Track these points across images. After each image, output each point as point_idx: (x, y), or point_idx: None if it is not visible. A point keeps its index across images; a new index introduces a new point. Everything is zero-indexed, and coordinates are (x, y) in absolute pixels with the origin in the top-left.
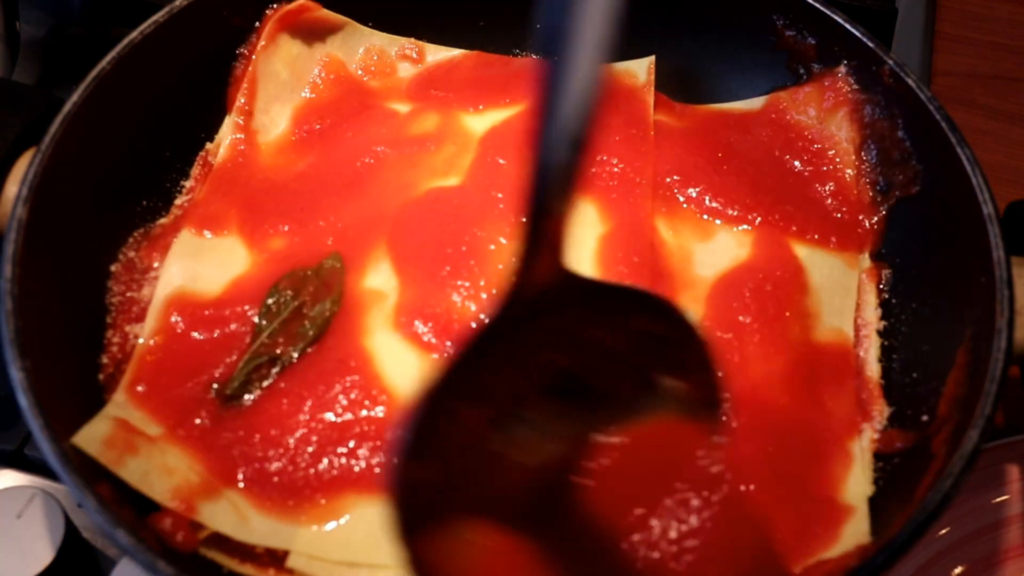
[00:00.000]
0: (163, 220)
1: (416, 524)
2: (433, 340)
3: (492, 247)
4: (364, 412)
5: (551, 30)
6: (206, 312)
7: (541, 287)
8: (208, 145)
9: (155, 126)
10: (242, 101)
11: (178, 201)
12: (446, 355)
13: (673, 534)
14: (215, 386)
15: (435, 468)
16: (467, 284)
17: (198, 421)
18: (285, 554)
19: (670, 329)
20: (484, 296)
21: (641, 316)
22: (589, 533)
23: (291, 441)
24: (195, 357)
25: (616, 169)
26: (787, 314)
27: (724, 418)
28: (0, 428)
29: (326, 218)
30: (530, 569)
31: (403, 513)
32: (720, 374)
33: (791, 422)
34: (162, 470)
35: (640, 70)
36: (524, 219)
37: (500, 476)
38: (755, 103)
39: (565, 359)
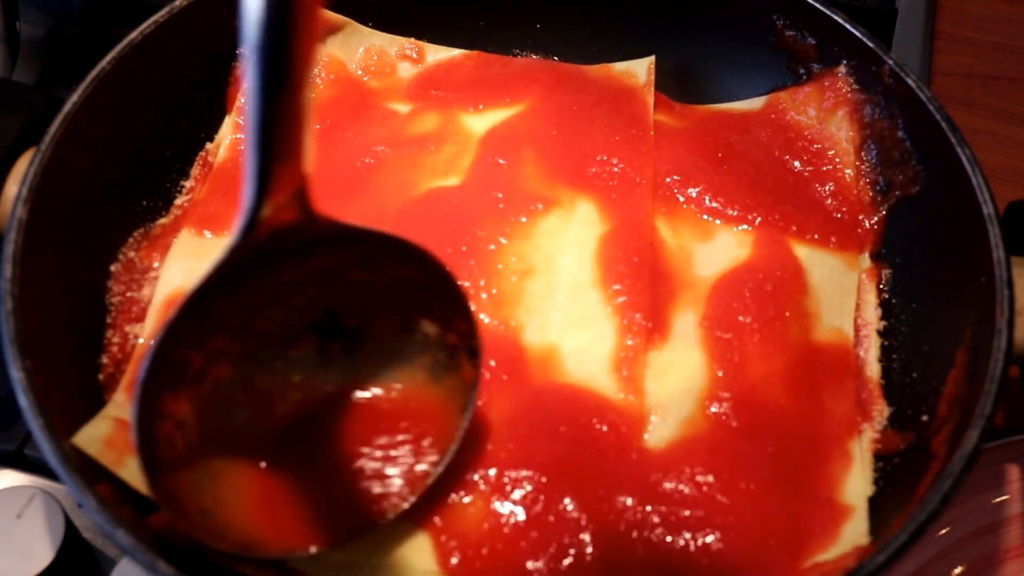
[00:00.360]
0: (163, 220)
1: (166, 456)
2: None
3: (492, 247)
4: None
5: None
6: None
7: (288, 228)
8: (208, 145)
9: (155, 126)
10: (242, 101)
11: (178, 201)
12: (195, 287)
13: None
14: None
15: (187, 401)
16: (467, 284)
17: None
18: None
19: (431, 277)
20: (484, 296)
21: (404, 263)
22: (342, 477)
23: None
24: None
25: (616, 169)
26: (787, 314)
27: (479, 371)
28: (0, 428)
29: None
30: (281, 505)
31: (149, 445)
32: (476, 323)
33: (791, 422)
34: None
35: (640, 70)
36: (253, 160)
37: (258, 412)
38: (755, 103)
39: (331, 299)
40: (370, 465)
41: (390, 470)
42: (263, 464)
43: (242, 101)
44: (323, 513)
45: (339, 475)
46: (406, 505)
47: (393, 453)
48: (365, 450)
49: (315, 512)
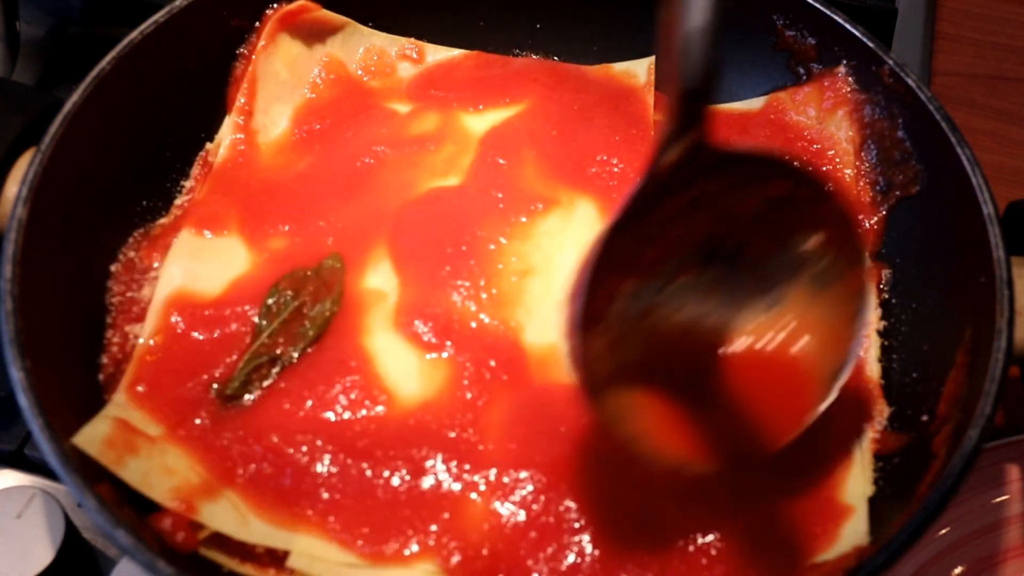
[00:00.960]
0: (163, 220)
1: (599, 386)
2: (433, 340)
3: (492, 247)
4: (364, 412)
5: None
6: (206, 312)
7: (683, 162)
8: (208, 145)
9: (155, 126)
10: (242, 101)
11: (178, 201)
12: (602, 234)
13: None
14: (215, 386)
15: (602, 337)
16: (467, 284)
17: (198, 421)
18: (285, 554)
19: (802, 190)
20: (484, 296)
21: (774, 180)
22: (731, 403)
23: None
24: (195, 357)
25: (616, 169)
26: None
27: (865, 276)
28: (0, 428)
29: (326, 218)
30: (673, 428)
31: (588, 378)
32: (855, 229)
33: None
34: (162, 470)
35: (640, 70)
36: (676, 103)
37: (652, 342)
38: (755, 103)
39: (710, 226)
40: (759, 388)
41: (778, 392)
42: (657, 389)
43: (241, 101)
44: (712, 438)
45: (728, 401)
46: (805, 423)
47: (781, 375)
48: (754, 374)
49: (702, 436)
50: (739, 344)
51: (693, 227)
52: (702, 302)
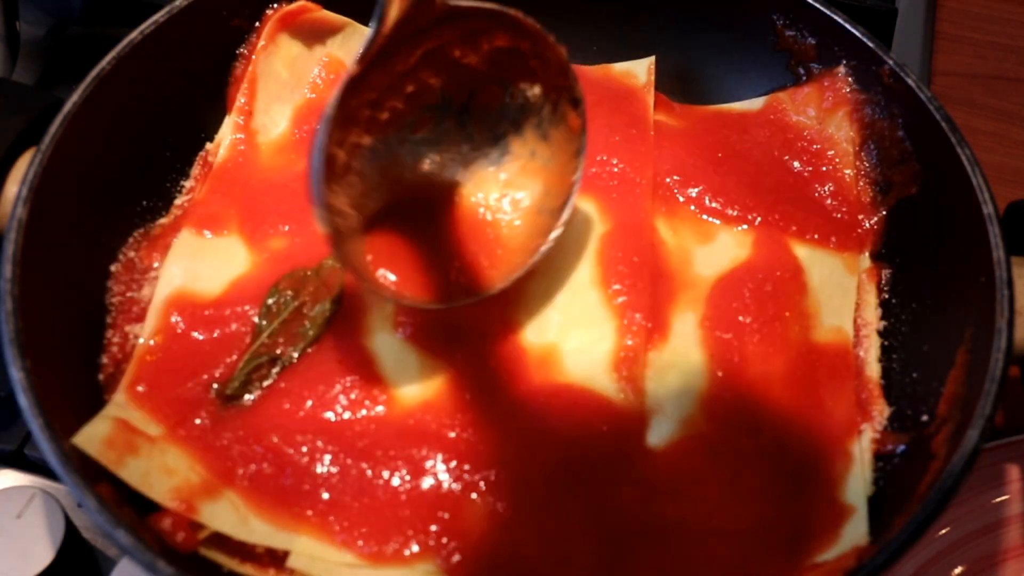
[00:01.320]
0: (163, 220)
1: (344, 237)
2: (433, 340)
3: None
4: (364, 412)
5: None
6: (206, 312)
7: (408, 17)
8: (208, 145)
9: (155, 126)
10: (242, 101)
11: (178, 201)
12: (337, 90)
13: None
14: (215, 386)
15: (345, 192)
16: None
17: (198, 421)
18: (285, 554)
19: (526, 40)
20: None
21: (500, 32)
22: (463, 247)
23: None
24: (195, 357)
25: (616, 169)
26: (786, 314)
27: (584, 117)
28: (0, 428)
29: None
30: (411, 267)
31: (334, 230)
32: (574, 74)
33: (791, 422)
34: (162, 470)
35: (640, 71)
36: None
37: (393, 195)
38: (755, 103)
39: (440, 80)
40: (491, 231)
41: (511, 231)
42: (397, 236)
43: (242, 101)
44: (442, 277)
45: (460, 244)
46: (520, 272)
47: (514, 215)
48: (487, 216)
49: (435, 276)
50: (472, 190)
51: (426, 82)
52: (439, 154)
